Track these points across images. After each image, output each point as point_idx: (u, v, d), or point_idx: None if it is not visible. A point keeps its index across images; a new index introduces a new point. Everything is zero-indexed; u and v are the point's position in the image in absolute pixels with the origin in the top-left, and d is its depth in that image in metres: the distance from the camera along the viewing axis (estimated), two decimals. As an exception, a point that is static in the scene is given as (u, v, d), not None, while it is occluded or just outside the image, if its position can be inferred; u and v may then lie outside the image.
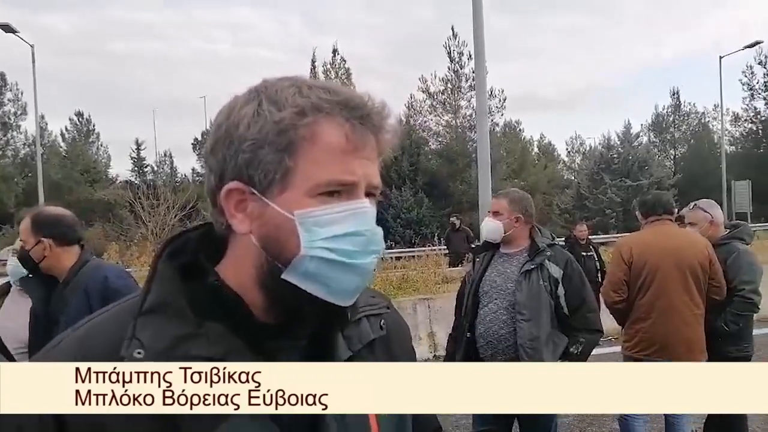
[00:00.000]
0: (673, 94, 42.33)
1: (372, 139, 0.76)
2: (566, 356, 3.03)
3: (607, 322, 3.50)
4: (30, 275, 2.55)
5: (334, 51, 33.76)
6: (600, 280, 8.33)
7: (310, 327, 0.80)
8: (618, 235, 22.97)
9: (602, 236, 22.82)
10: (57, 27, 65.41)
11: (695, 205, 4.08)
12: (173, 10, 77.35)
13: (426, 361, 7.11)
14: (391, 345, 0.94)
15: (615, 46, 79.28)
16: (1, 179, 29.10)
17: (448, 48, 32.44)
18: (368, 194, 0.78)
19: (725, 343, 3.61)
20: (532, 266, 3.06)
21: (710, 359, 3.55)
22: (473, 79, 23.78)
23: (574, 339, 3.07)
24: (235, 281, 0.78)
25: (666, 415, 3.83)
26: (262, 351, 0.76)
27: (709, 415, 3.83)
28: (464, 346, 3.21)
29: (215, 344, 0.72)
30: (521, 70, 68.24)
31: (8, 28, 19.75)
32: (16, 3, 60.88)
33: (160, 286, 0.75)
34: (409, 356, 1.02)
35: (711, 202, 4.11)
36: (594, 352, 3.20)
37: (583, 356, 3.06)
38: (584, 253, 8.61)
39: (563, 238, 9.88)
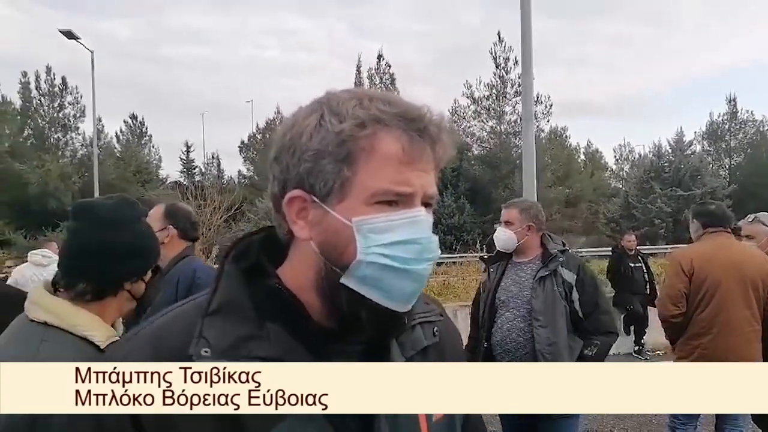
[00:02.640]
0: (730, 101, 40.54)
1: (429, 151, 0.78)
2: (582, 359, 3.06)
3: (655, 336, 3.39)
4: None
5: (379, 57, 34.04)
6: (648, 291, 8.07)
7: (367, 332, 0.81)
8: (667, 246, 22.22)
9: (651, 247, 22.09)
10: (115, 33, 68.26)
11: (755, 218, 3.98)
12: (225, 16, 79.47)
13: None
14: (444, 352, 0.95)
15: (667, 53, 77.20)
16: (59, 178, 30.21)
17: (493, 53, 32.17)
18: (424, 204, 0.79)
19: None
20: (546, 272, 3.11)
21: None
22: (519, 85, 23.54)
23: (588, 342, 3.11)
24: (294, 284, 0.80)
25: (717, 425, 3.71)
26: (318, 354, 0.78)
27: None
28: (482, 356, 3.25)
29: (275, 345, 0.75)
30: (569, 76, 67.05)
31: (70, 35, 20.58)
32: (77, 10, 63.94)
33: (226, 286, 0.79)
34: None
35: (771, 215, 3.96)
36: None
37: (597, 358, 3.09)
38: (632, 264, 8.36)
39: (610, 248, 9.62)
